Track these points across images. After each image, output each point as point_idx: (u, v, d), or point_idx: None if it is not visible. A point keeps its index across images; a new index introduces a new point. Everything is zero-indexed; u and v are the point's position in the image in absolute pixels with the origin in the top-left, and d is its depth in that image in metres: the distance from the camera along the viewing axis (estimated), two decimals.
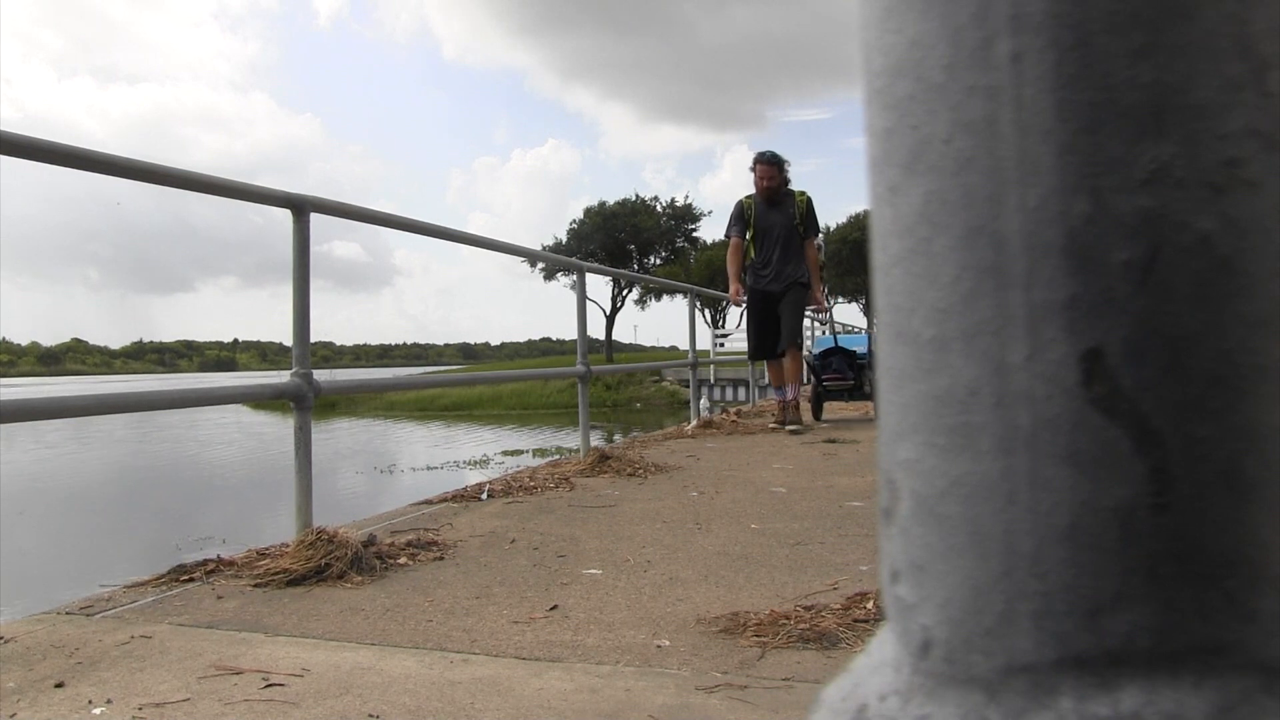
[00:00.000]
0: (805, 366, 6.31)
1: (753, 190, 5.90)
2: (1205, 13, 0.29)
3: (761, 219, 5.79)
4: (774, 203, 5.74)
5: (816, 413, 6.51)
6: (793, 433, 5.57)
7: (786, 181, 5.80)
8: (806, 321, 8.93)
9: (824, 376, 6.40)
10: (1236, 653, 0.30)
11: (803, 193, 5.80)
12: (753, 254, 5.82)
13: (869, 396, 6.49)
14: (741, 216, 5.90)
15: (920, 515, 0.33)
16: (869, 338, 6.95)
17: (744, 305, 6.10)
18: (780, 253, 5.70)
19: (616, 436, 12.89)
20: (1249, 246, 0.29)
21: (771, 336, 5.77)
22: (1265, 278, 0.30)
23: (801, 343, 6.01)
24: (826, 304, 6.41)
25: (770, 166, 5.70)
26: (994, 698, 0.31)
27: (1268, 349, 0.30)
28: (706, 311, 29.97)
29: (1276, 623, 0.30)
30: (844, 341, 6.65)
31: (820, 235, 5.94)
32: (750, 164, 5.83)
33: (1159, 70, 0.29)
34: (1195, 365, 0.29)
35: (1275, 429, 0.30)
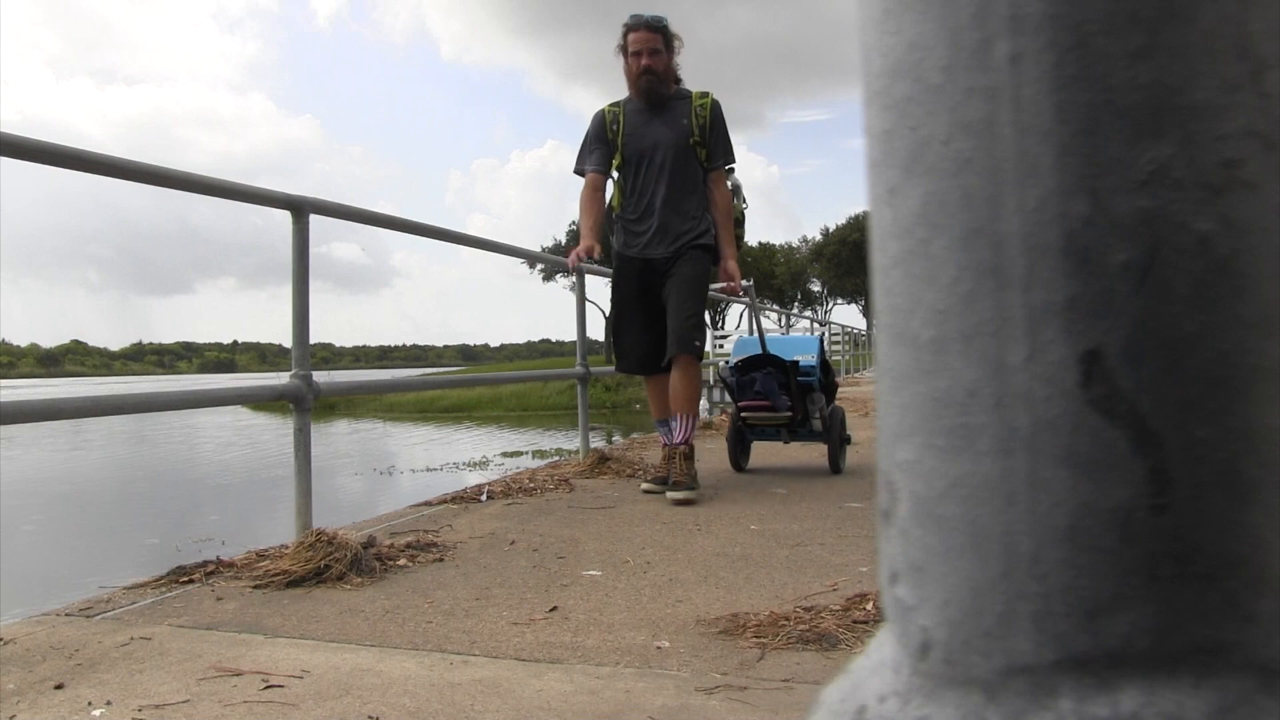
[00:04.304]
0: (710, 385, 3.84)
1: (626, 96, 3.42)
2: (1204, 14, 0.29)
3: (635, 136, 3.35)
4: (656, 105, 3.34)
5: (737, 461, 3.93)
6: (678, 502, 3.08)
7: (678, 78, 3.40)
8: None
9: (742, 403, 3.74)
10: (1236, 653, 0.30)
11: (705, 94, 3.37)
12: (620, 198, 3.45)
13: (820, 435, 3.79)
14: (602, 134, 3.40)
15: (919, 516, 0.33)
16: (820, 340, 3.96)
17: (610, 276, 3.60)
18: (666, 191, 3.31)
19: (616, 438, 12.89)
20: (1248, 247, 0.29)
21: (654, 334, 3.38)
22: (1264, 279, 0.30)
23: (702, 346, 3.37)
24: (745, 281, 3.82)
25: (651, 33, 3.27)
26: (993, 699, 0.31)
27: (1266, 350, 0.30)
28: (706, 312, 29.67)
29: (1276, 623, 0.30)
30: (778, 346, 3.85)
31: (734, 166, 3.52)
32: (619, 38, 3.33)
33: (1157, 71, 0.29)
34: (1194, 366, 0.29)
35: (1274, 430, 0.30)
